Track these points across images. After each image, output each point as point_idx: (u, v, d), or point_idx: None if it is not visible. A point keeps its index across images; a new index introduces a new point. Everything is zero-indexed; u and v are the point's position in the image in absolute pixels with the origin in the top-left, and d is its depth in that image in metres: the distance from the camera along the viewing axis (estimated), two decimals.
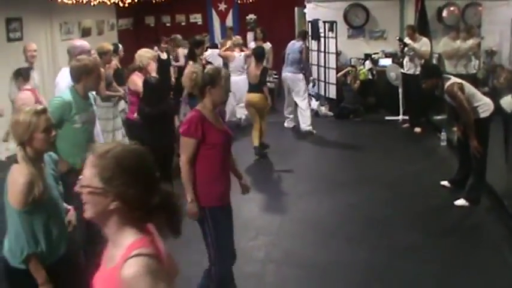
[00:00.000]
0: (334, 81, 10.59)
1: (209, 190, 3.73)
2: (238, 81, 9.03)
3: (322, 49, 10.80)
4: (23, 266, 2.88)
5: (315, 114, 10.46)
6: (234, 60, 9.77)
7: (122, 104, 7.23)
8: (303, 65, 9.63)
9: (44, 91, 7.60)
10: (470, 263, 4.74)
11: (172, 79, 9.44)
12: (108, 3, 10.47)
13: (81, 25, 11.35)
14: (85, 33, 11.36)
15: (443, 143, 8.40)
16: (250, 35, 13.04)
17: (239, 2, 14.29)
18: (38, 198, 2.81)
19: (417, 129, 9.37)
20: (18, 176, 2.82)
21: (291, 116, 9.78)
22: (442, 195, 6.37)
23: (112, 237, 1.74)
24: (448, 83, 5.84)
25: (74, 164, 3.93)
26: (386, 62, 10.86)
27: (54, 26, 10.15)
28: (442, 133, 8.48)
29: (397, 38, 9.91)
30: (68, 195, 3.14)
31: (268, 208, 6.26)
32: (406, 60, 9.53)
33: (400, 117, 10.07)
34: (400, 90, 9.95)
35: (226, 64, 9.62)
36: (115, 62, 7.55)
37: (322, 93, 11.03)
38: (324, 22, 10.69)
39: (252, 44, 11.09)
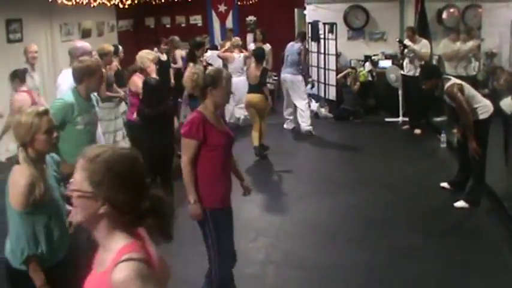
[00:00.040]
0: (334, 83, 10.59)
1: (210, 191, 3.72)
2: (238, 82, 9.03)
3: (322, 51, 10.80)
4: (24, 267, 2.88)
5: (314, 115, 10.46)
6: (234, 62, 9.78)
7: (123, 106, 7.23)
8: (301, 66, 9.63)
9: (44, 92, 7.60)
10: (470, 264, 4.74)
11: (172, 80, 9.44)
12: (108, 4, 10.47)
13: (81, 26, 11.36)
14: (85, 34, 11.36)
15: (443, 145, 8.41)
16: (250, 37, 13.05)
17: (239, 3, 14.30)
18: (39, 200, 2.81)
19: (417, 131, 9.38)
20: (20, 177, 2.82)
21: (291, 117, 9.78)
22: (442, 197, 6.37)
23: (102, 241, 1.73)
24: (447, 84, 5.84)
25: None
26: (386, 63, 10.85)
27: (54, 27, 10.16)
28: (442, 135, 8.49)
29: (397, 39, 9.91)
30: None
31: (268, 209, 6.26)
32: (406, 62, 9.53)
33: (400, 118, 10.08)
34: (400, 92, 9.95)
35: (225, 65, 9.62)
36: (115, 64, 7.55)
37: (322, 94, 11.02)
38: (324, 24, 10.69)
39: (251, 46, 11.09)
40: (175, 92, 9.17)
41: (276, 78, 11.29)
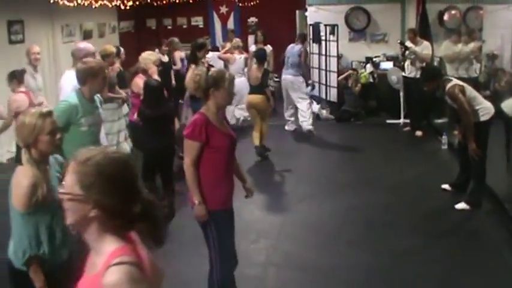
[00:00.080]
0: (335, 85, 10.60)
1: (213, 193, 3.72)
2: (238, 83, 8.96)
3: (324, 52, 10.81)
4: (26, 267, 2.89)
5: (316, 117, 10.45)
6: (235, 63, 9.79)
7: (126, 107, 7.24)
8: (302, 68, 9.63)
9: (45, 93, 7.61)
10: (471, 266, 4.73)
11: (173, 81, 9.45)
12: (110, 5, 10.50)
13: (83, 27, 11.38)
14: (86, 35, 11.38)
15: (444, 147, 8.40)
16: (251, 38, 13.07)
17: (240, 5, 14.31)
18: (42, 200, 2.81)
19: (418, 133, 9.37)
20: (23, 178, 2.83)
21: (292, 118, 9.78)
22: (443, 198, 6.36)
23: (93, 244, 1.72)
24: (449, 85, 5.84)
25: None
26: (387, 65, 10.84)
27: (55, 29, 10.18)
28: (443, 136, 8.48)
29: (399, 41, 9.91)
30: None
31: (269, 211, 6.25)
32: (407, 63, 9.53)
33: (401, 120, 10.07)
34: (401, 94, 9.94)
35: (226, 66, 9.64)
36: (117, 65, 7.55)
37: (323, 96, 11.03)
38: (325, 25, 10.70)
39: (252, 47, 11.11)
40: (175, 94, 9.17)
41: (277, 79, 11.29)
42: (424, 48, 9.22)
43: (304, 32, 11.31)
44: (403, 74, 9.68)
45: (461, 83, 5.98)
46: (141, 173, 5.91)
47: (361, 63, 11.31)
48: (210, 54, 10.15)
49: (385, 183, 6.93)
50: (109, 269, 1.60)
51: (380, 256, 4.96)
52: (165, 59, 9.60)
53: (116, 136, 6.82)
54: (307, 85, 10.43)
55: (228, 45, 10.38)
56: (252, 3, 14.06)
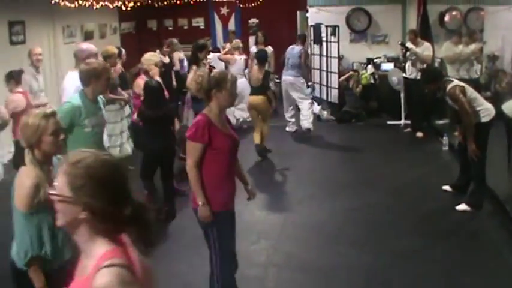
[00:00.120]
0: (336, 86, 10.59)
1: (215, 194, 3.71)
2: (239, 84, 8.96)
3: (324, 53, 10.81)
4: (27, 268, 2.89)
5: (317, 118, 10.46)
6: (235, 64, 9.80)
7: (128, 109, 7.25)
8: (302, 70, 9.63)
9: (46, 94, 7.61)
10: (472, 267, 4.73)
11: (174, 82, 9.46)
12: (111, 6, 10.52)
13: (84, 28, 11.39)
14: (87, 36, 11.39)
15: (445, 148, 8.39)
16: (252, 39, 13.07)
17: (241, 6, 14.32)
18: (44, 201, 2.81)
19: (419, 134, 9.36)
20: (25, 178, 2.84)
21: (293, 119, 9.78)
22: (444, 200, 6.36)
23: (83, 246, 1.72)
24: (450, 86, 5.84)
25: None
26: (388, 66, 10.85)
27: (56, 30, 10.19)
28: (444, 138, 8.48)
29: (399, 42, 9.91)
30: None
31: (269, 211, 6.25)
32: (408, 64, 9.53)
33: (402, 121, 10.06)
34: (402, 95, 9.94)
35: (226, 67, 9.65)
36: (119, 66, 7.56)
37: (324, 97, 11.03)
38: (326, 26, 10.70)
39: (253, 48, 11.11)
40: (175, 95, 9.17)
41: (277, 80, 11.29)
42: (425, 49, 9.22)
43: (305, 33, 11.32)
44: (404, 75, 9.68)
45: (462, 83, 5.98)
46: (140, 173, 5.93)
47: (362, 64, 11.31)
48: (211, 55, 10.16)
49: (385, 184, 6.93)
50: (99, 271, 1.60)
51: (380, 256, 4.96)
52: (166, 60, 9.61)
53: (119, 137, 6.83)
54: (307, 86, 10.44)
55: (228, 46, 10.39)
56: (253, 4, 14.07)
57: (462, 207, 5.94)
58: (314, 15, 11.47)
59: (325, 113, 10.88)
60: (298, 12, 13.29)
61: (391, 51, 11.20)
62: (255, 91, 8.09)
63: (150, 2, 12.56)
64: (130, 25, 14.42)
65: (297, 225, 5.84)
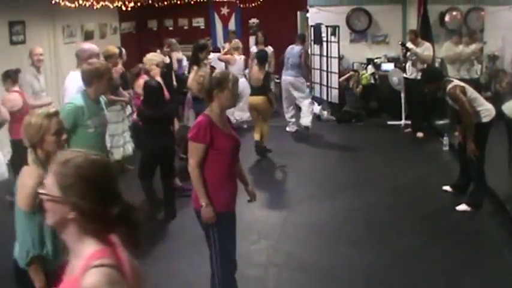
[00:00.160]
0: (337, 86, 10.60)
1: (216, 195, 3.70)
2: (239, 84, 9.02)
3: (325, 53, 10.81)
4: (27, 267, 2.89)
5: (317, 118, 10.46)
6: (235, 64, 9.80)
7: (129, 109, 7.26)
8: (302, 70, 9.63)
9: (46, 94, 7.60)
10: (472, 267, 4.73)
11: (174, 82, 9.46)
12: (111, 6, 10.51)
13: (84, 28, 11.38)
14: (87, 36, 11.37)
15: (446, 148, 8.40)
16: (252, 39, 13.07)
17: (241, 6, 14.32)
18: None
19: (419, 134, 9.36)
20: (28, 178, 2.84)
21: (293, 119, 9.78)
22: (444, 199, 6.36)
23: (72, 246, 1.72)
24: (450, 86, 5.84)
25: None
26: (388, 66, 10.85)
27: (57, 29, 10.18)
28: (444, 138, 8.48)
29: (400, 42, 9.91)
30: None
31: (269, 211, 6.25)
32: (408, 64, 9.53)
33: (402, 121, 10.06)
34: (402, 95, 9.94)
35: (226, 67, 9.65)
36: (120, 66, 7.56)
37: (325, 97, 11.03)
38: (327, 26, 10.71)
39: (253, 48, 11.11)
40: (175, 95, 9.17)
41: (278, 80, 11.29)
42: (425, 49, 9.22)
43: (304, 32, 11.32)
44: (404, 75, 9.68)
45: (462, 83, 5.98)
46: (138, 173, 5.93)
47: (362, 65, 11.31)
48: (212, 56, 10.16)
49: (386, 184, 6.93)
50: (88, 271, 1.59)
51: (381, 256, 4.96)
52: (167, 60, 9.62)
53: (121, 137, 6.84)
54: (307, 86, 10.45)
55: (227, 45, 10.39)
56: (253, 5, 14.07)
57: (462, 207, 5.94)
58: (314, 15, 11.47)
59: (325, 113, 10.89)
60: (298, 13, 13.29)
61: (392, 51, 11.20)
62: (255, 91, 8.09)
63: (150, 2, 12.56)
64: (130, 25, 14.41)
65: (297, 225, 5.84)
